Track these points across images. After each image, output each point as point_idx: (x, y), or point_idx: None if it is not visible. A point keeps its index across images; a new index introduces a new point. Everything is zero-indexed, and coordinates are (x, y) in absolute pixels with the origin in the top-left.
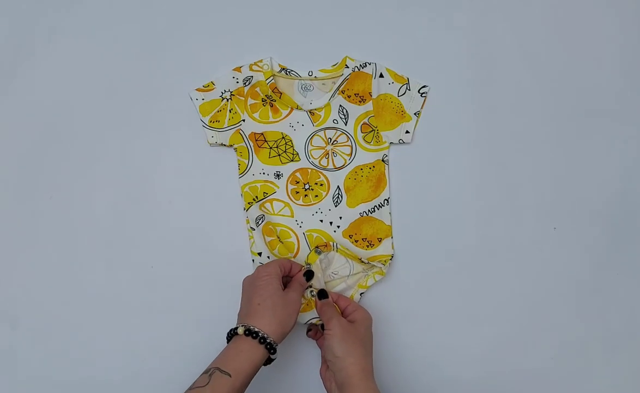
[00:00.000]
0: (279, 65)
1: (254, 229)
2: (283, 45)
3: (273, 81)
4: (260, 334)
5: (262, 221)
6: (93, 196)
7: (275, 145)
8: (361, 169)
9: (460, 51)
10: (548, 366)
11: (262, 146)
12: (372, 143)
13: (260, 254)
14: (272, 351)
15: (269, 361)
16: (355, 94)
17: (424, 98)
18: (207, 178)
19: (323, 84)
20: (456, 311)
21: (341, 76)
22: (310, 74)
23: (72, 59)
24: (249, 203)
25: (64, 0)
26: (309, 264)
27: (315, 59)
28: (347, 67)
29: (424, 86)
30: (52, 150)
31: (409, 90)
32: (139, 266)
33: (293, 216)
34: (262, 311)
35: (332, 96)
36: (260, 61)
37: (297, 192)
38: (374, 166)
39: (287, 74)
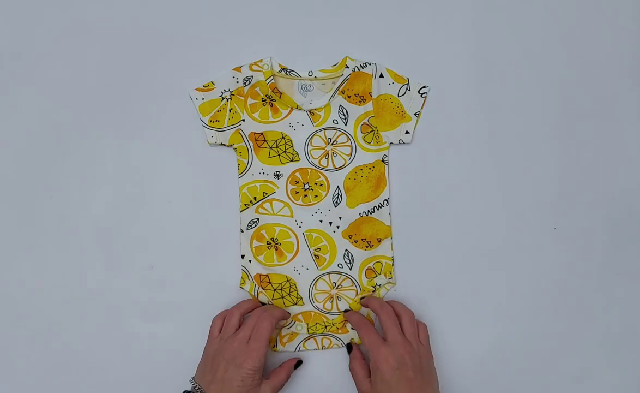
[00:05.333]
0: (279, 65)
1: (242, 232)
2: (283, 45)
3: (273, 80)
4: None
5: (254, 226)
6: (93, 195)
7: (275, 145)
8: (361, 169)
9: (460, 51)
10: (548, 366)
11: (262, 145)
12: (372, 143)
13: (243, 257)
14: None
15: None
16: (355, 94)
17: (424, 98)
18: (207, 178)
19: (323, 84)
20: (456, 311)
21: (341, 76)
22: (310, 74)
23: (72, 59)
24: (245, 205)
25: (64, 0)
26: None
27: (315, 59)
28: (347, 67)
29: (424, 87)
30: (51, 150)
31: (409, 90)
32: (139, 266)
33: (293, 216)
34: None
35: (332, 96)
36: (260, 60)
37: (297, 192)
38: (373, 167)
39: (287, 73)
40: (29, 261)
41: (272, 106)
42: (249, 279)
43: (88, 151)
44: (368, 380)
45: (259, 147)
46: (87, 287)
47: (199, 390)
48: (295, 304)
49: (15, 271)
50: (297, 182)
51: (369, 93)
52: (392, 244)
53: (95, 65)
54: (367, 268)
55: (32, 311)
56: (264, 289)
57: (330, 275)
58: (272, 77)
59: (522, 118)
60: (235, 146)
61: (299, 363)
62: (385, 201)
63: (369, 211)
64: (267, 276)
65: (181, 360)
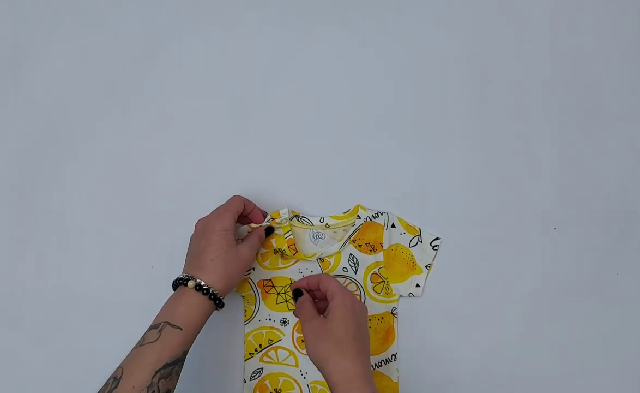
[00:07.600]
0: (292, 211)
1: (245, 382)
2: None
3: (292, 236)
4: (210, 291)
5: (258, 376)
6: (93, 195)
7: (282, 291)
8: (369, 319)
9: (460, 54)
10: (548, 366)
11: (270, 291)
12: (381, 294)
13: None
14: (220, 304)
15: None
16: (366, 244)
17: (435, 251)
18: (207, 177)
19: (334, 232)
20: (456, 312)
21: (353, 225)
22: (322, 220)
23: (72, 59)
24: (250, 354)
25: (64, 0)
26: (271, 218)
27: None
28: (359, 217)
29: (435, 239)
30: (52, 150)
31: (421, 242)
32: (139, 266)
33: (298, 366)
34: (214, 268)
35: (343, 245)
36: (278, 213)
37: (303, 340)
38: (382, 317)
39: (299, 221)
40: (29, 260)
41: (282, 255)
42: None
43: (88, 150)
44: (321, 316)
45: (267, 293)
46: (87, 287)
47: (190, 280)
48: None
49: (15, 271)
50: None
51: (380, 243)
52: None
53: (95, 65)
54: None
55: (32, 311)
56: None
57: None
58: (290, 232)
59: (522, 118)
60: (243, 294)
61: (269, 229)
62: (394, 356)
63: (376, 364)
64: None
65: None
